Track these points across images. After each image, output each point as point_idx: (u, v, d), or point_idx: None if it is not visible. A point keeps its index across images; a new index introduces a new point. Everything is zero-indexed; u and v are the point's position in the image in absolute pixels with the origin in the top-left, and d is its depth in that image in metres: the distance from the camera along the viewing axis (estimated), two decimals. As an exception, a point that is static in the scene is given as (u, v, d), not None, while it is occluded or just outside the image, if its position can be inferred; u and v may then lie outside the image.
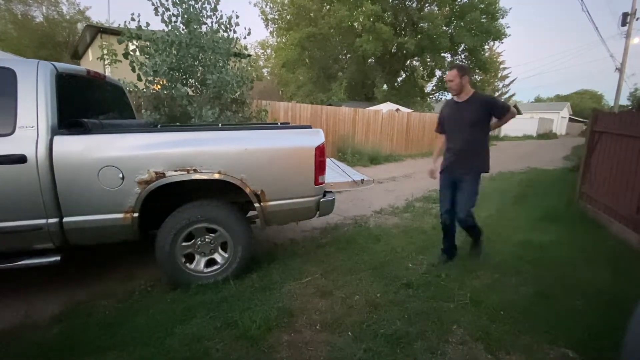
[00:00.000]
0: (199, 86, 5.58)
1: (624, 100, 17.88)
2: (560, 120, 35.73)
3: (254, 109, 6.71)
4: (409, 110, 13.05)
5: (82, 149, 2.11)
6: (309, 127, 2.79)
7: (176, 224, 2.37)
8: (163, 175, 2.22)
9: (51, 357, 1.79)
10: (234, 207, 2.57)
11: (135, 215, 2.25)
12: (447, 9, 17.34)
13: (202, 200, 2.48)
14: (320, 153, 2.53)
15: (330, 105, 11.53)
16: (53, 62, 2.24)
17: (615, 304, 2.28)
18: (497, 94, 31.06)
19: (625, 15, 12.79)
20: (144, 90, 5.26)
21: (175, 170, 2.24)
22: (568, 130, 36.63)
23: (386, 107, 12.86)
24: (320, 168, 2.56)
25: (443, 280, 2.63)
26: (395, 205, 4.98)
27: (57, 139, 2.07)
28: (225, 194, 2.57)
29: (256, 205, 2.48)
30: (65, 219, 2.14)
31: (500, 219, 4.36)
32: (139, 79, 5.16)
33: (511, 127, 24.28)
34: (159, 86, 5.28)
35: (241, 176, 2.38)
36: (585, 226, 4.12)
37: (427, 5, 18.13)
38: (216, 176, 2.33)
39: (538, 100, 61.15)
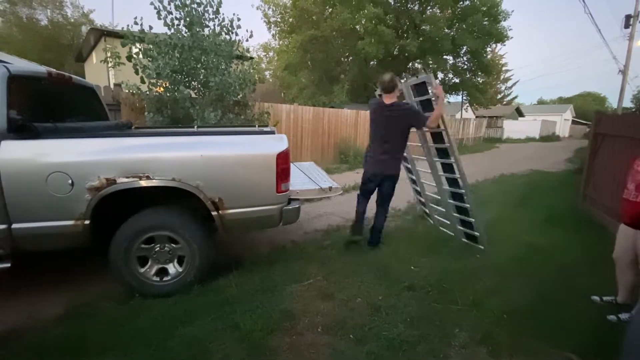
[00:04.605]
0: (202, 88, 5.60)
1: (627, 103, 17.78)
2: (563, 122, 35.59)
3: (256, 111, 6.72)
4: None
5: (30, 154, 2.06)
6: (273, 132, 2.73)
7: (126, 232, 2.30)
8: (114, 181, 2.16)
9: (53, 358, 1.80)
10: (191, 214, 2.47)
11: (87, 222, 2.19)
12: (449, 11, 17.34)
13: (156, 208, 2.42)
14: (282, 160, 2.45)
15: (332, 107, 11.52)
16: (6, 64, 2.18)
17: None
18: (499, 96, 31.02)
19: (628, 17, 12.74)
20: (147, 92, 5.29)
21: (127, 177, 2.18)
22: (571, 132, 36.47)
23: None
24: (282, 175, 2.48)
25: (445, 283, 2.61)
26: (397, 208, 4.95)
27: (5, 144, 2.02)
28: (191, 201, 2.47)
29: (214, 213, 2.41)
30: (14, 226, 2.09)
31: (503, 221, 4.33)
32: (142, 82, 5.20)
33: (513, 130, 24.22)
34: (161, 89, 5.30)
35: (197, 183, 2.30)
36: (589, 229, 4.09)
37: (429, 7, 18.14)
38: (170, 183, 2.26)
39: (541, 102, 60.96)
